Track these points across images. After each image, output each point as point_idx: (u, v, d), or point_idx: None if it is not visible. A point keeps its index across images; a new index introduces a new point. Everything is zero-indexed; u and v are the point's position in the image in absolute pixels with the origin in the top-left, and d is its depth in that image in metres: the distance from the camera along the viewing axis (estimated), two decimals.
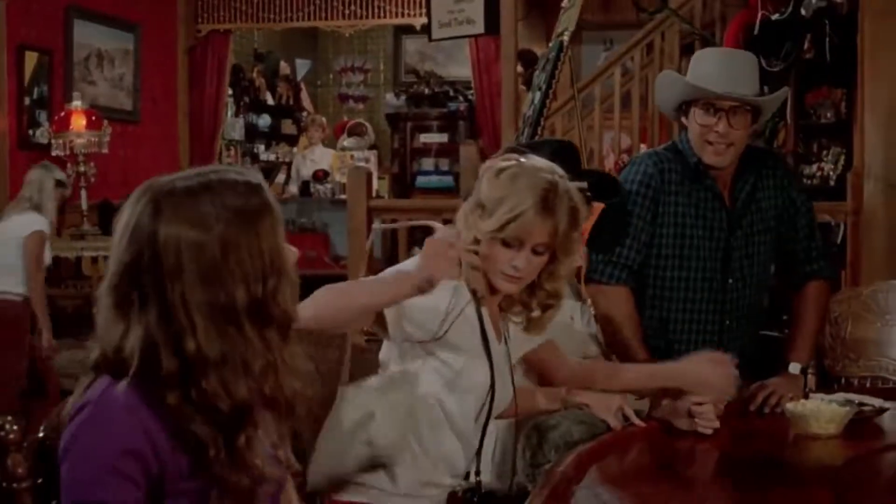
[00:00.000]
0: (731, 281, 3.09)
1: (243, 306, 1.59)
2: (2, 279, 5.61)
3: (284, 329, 1.65)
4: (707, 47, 6.40)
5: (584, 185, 2.42)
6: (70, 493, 1.55)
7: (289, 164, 11.38)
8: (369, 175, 6.31)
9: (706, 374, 2.58)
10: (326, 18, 9.54)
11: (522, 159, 2.35)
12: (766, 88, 6.35)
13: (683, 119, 3.07)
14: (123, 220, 1.61)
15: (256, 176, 1.68)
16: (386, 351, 2.43)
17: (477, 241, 2.30)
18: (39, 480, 1.71)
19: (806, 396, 2.66)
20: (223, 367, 1.57)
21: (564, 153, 2.69)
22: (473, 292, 2.32)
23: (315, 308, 2.10)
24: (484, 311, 2.35)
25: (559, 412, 2.55)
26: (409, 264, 2.26)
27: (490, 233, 2.29)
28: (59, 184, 6.11)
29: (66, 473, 1.56)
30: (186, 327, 1.56)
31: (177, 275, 1.56)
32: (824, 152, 6.50)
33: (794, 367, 3.01)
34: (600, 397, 2.57)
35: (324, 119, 11.42)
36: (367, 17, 9.43)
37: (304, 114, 12.22)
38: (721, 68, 3.00)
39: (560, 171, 2.34)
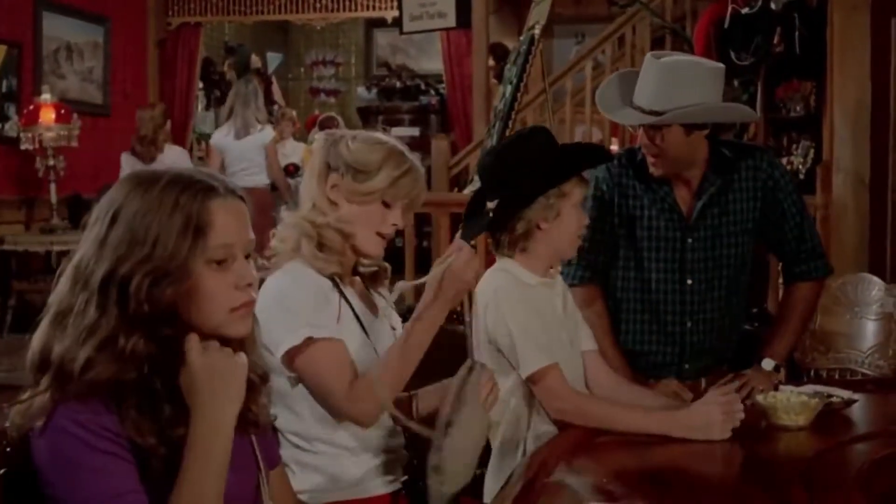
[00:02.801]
0: (690, 282, 3.01)
1: None
2: (254, 177, 7.75)
3: None
4: (677, 41, 6.48)
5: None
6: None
7: None
8: None
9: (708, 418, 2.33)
10: (297, 11, 9.52)
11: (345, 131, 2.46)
12: (735, 83, 6.41)
13: None
14: None
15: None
16: None
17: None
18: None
19: (776, 388, 2.68)
20: None
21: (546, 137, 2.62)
22: (332, 278, 2.32)
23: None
24: (347, 291, 2.35)
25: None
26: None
27: (379, 191, 2.33)
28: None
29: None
30: None
31: None
32: (794, 146, 6.55)
33: (768, 364, 2.99)
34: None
35: (294, 113, 11.37)
36: (338, 10, 9.41)
37: (276, 107, 12.16)
38: (653, 82, 2.84)
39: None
